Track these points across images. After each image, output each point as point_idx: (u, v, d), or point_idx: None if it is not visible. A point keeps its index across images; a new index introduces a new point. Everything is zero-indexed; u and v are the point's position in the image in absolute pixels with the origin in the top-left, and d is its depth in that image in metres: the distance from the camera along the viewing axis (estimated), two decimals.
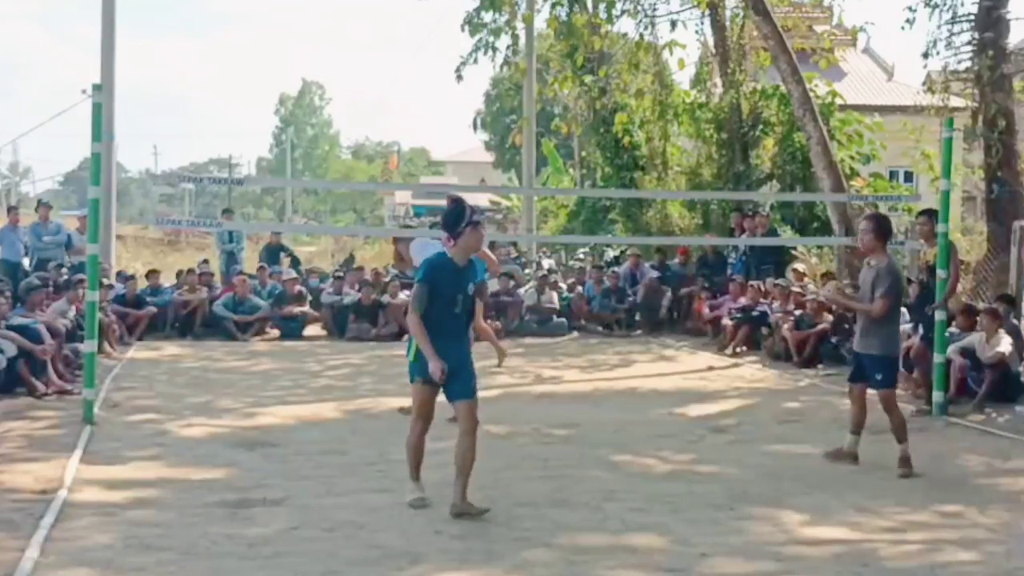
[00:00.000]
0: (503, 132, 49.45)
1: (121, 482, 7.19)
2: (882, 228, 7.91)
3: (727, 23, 22.57)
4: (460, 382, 6.40)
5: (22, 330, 10.87)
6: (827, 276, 15.85)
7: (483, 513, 6.32)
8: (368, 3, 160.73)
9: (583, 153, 28.53)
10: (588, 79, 23.30)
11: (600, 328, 17.83)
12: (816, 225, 20.48)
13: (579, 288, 18.57)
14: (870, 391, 8.04)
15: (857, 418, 8.02)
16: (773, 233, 17.84)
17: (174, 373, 12.89)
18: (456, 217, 6.35)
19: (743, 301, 15.80)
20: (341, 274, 18.29)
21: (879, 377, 7.84)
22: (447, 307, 6.35)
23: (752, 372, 13.69)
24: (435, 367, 6.21)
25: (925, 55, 16.13)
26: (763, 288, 15.92)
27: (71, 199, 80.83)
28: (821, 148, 17.51)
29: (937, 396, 10.23)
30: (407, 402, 10.80)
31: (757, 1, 17.80)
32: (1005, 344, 10.70)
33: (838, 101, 22.25)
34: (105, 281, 14.54)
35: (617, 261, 20.84)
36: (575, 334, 17.58)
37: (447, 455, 8.29)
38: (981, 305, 12.89)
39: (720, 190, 21.52)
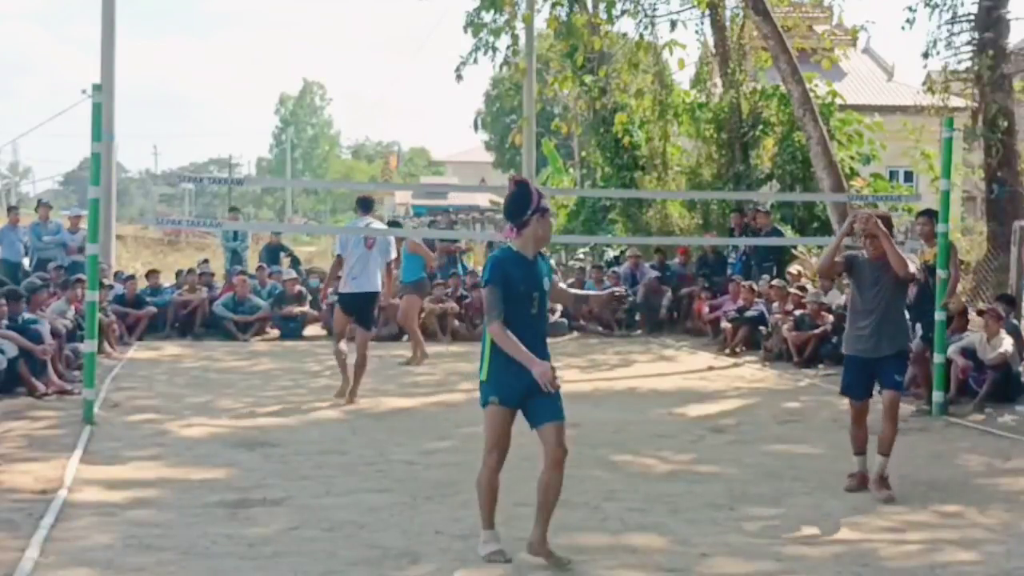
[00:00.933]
0: (503, 132, 49.50)
1: (121, 482, 7.18)
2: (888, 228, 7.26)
3: (727, 23, 22.57)
4: (547, 399, 5.38)
5: (22, 330, 10.87)
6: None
7: (565, 564, 5.45)
8: (368, 3, 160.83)
9: (583, 153, 28.53)
10: (588, 79, 23.29)
11: (600, 328, 17.83)
12: (816, 225, 20.47)
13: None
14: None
15: (863, 437, 7.30)
16: (777, 233, 17.85)
17: (174, 373, 12.89)
18: (521, 204, 5.45)
19: (741, 302, 15.80)
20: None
21: (898, 378, 7.23)
22: (523, 308, 5.39)
23: (752, 372, 13.69)
24: (541, 370, 5.20)
25: (925, 55, 16.18)
26: (755, 288, 15.89)
27: (71, 199, 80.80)
28: (821, 148, 17.51)
29: (937, 396, 10.23)
30: (403, 402, 10.88)
31: (757, 1, 17.79)
32: (1007, 344, 10.71)
33: (838, 101, 22.25)
34: (105, 281, 14.53)
35: (617, 261, 20.85)
36: (575, 334, 17.58)
37: (450, 454, 8.35)
38: (981, 305, 12.90)
39: (720, 190, 21.52)
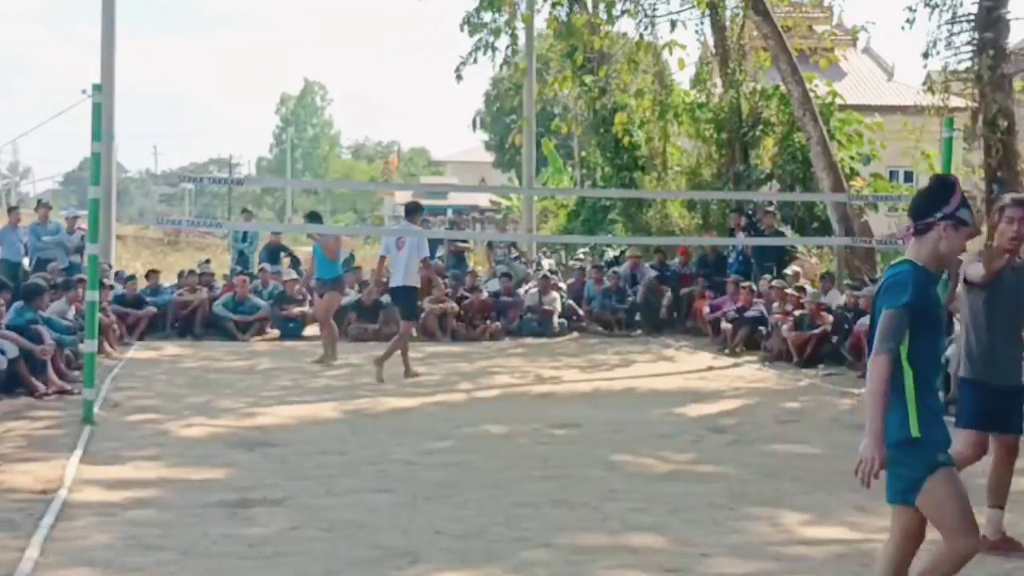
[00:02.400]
0: (503, 132, 49.45)
1: (121, 482, 7.18)
2: None
3: (727, 23, 22.59)
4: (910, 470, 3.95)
5: (22, 330, 10.87)
6: (826, 277, 15.83)
7: None
8: (368, 3, 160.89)
9: (583, 153, 28.55)
10: (588, 79, 23.32)
11: (600, 328, 17.83)
12: (816, 225, 20.49)
13: (571, 303, 18.30)
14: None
15: (1002, 481, 5.84)
16: (777, 233, 17.86)
17: (174, 373, 12.89)
18: (931, 200, 4.05)
19: (740, 302, 15.79)
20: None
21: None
22: (937, 343, 4.07)
23: (752, 372, 13.69)
24: (872, 455, 3.82)
25: (925, 55, 16.14)
26: (755, 289, 15.87)
27: (71, 199, 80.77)
28: (821, 148, 17.52)
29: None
30: (403, 402, 10.87)
31: (757, 1, 17.81)
32: None
33: (838, 101, 22.26)
34: (105, 281, 14.53)
35: (617, 261, 20.87)
36: (575, 334, 17.57)
37: (450, 454, 8.35)
38: None
39: (720, 190, 21.53)
